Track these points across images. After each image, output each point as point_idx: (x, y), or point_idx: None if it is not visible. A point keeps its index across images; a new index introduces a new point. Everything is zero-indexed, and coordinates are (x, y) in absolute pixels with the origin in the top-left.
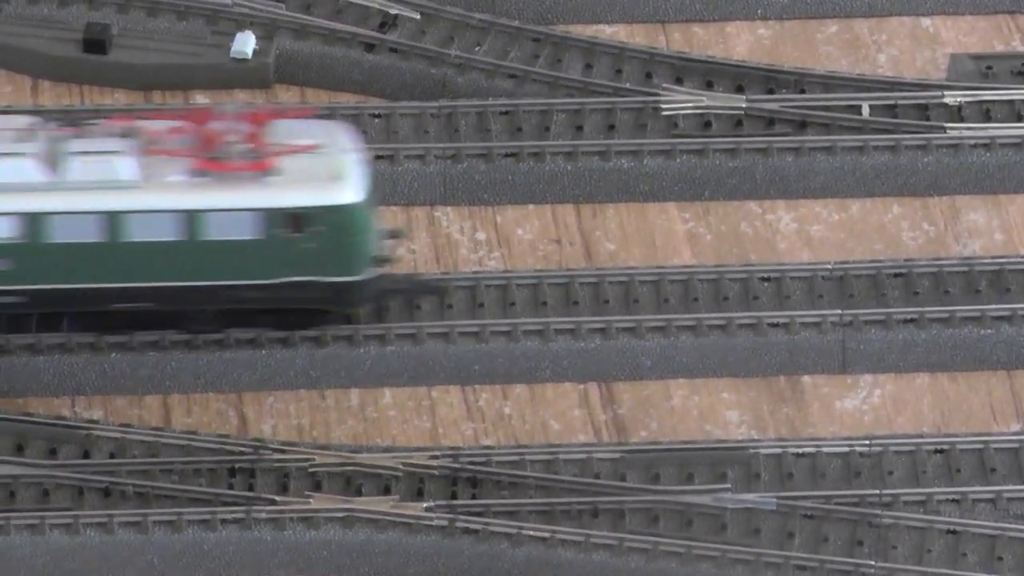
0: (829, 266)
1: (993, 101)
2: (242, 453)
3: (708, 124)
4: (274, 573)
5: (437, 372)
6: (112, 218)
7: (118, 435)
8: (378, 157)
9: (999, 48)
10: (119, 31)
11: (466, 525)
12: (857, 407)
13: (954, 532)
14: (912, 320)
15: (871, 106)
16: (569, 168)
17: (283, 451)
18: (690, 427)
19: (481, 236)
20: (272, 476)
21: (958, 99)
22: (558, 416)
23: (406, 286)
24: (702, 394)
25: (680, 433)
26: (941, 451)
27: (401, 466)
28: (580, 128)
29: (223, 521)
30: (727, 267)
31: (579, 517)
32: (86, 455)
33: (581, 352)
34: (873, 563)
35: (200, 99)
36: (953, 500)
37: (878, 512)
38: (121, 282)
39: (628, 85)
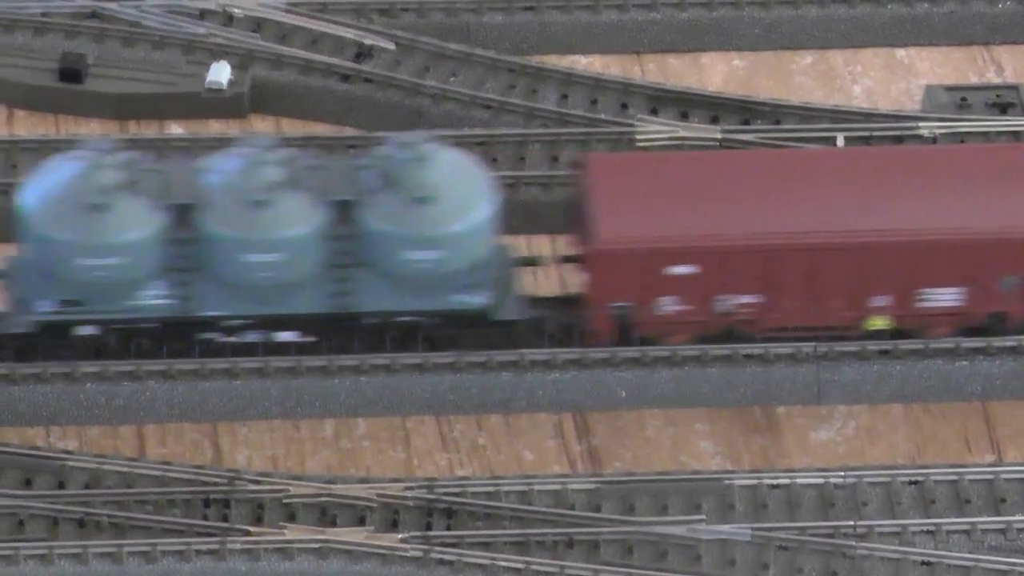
0: None
1: (967, 132)
2: (216, 484)
3: None
4: None
5: (412, 402)
6: None
7: (93, 465)
8: None
9: (973, 79)
10: (95, 60)
11: (441, 556)
12: (832, 438)
13: (928, 564)
14: (886, 352)
15: (846, 137)
16: (544, 198)
17: (258, 482)
18: (665, 458)
19: None
20: (246, 507)
21: (933, 130)
22: (533, 447)
23: None
24: (677, 425)
25: (655, 464)
26: (915, 482)
27: (376, 497)
28: (555, 159)
29: (197, 552)
30: None
31: (554, 548)
32: (61, 485)
33: (556, 383)
34: None
35: (175, 129)
36: (927, 531)
37: (853, 543)
38: None
39: (603, 116)
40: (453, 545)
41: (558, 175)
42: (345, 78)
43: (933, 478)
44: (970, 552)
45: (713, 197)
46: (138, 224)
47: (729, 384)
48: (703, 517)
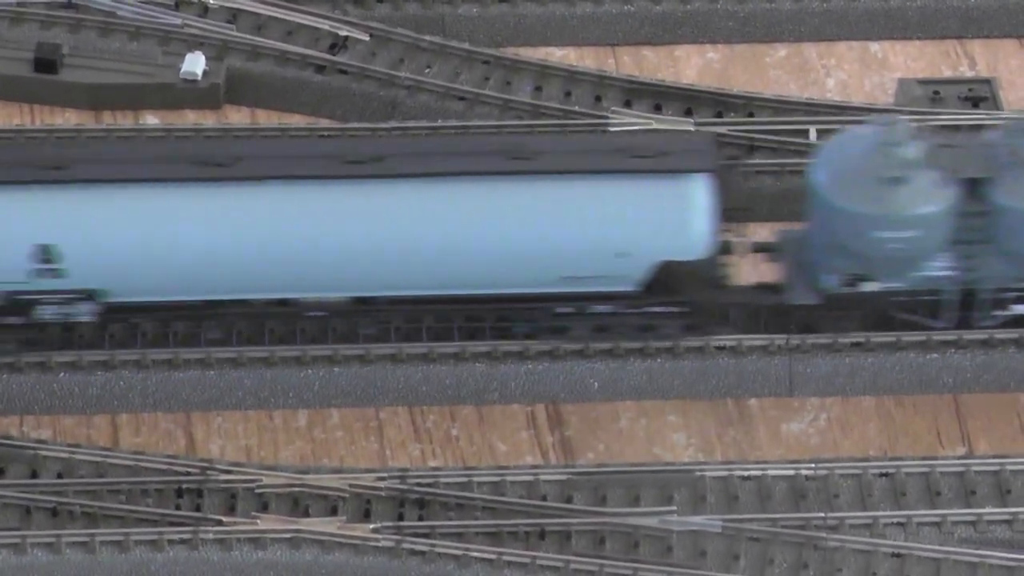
0: None
1: (940, 126)
2: (190, 473)
3: None
4: None
5: (385, 393)
6: None
7: (66, 455)
8: None
9: (947, 73)
10: (70, 51)
11: (413, 546)
12: (803, 430)
13: (899, 555)
14: (858, 344)
15: (818, 130)
16: None
17: (231, 471)
18: (637, 449)
19: None
20: (219, 496)
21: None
22: (505, 438)
23: None
24: (650, 416)
25: (627, 455)
26: (887, 475)
27: (348, 487)
28: None
29: (170, 541)
30: None
31: (526, 539)
32: (34, 475)
33: (529, 374)
34: None
35: (150, 119)
36: (898, 523)
37: (824, 535)
38: None
39: (578, 108)
40: (425, 535)
41: None
42: (320, 69)
43: (904, 470)
44: (940, 544)
45: None
46: (933, 198)
47: (702, 376)
48: (675, 508)
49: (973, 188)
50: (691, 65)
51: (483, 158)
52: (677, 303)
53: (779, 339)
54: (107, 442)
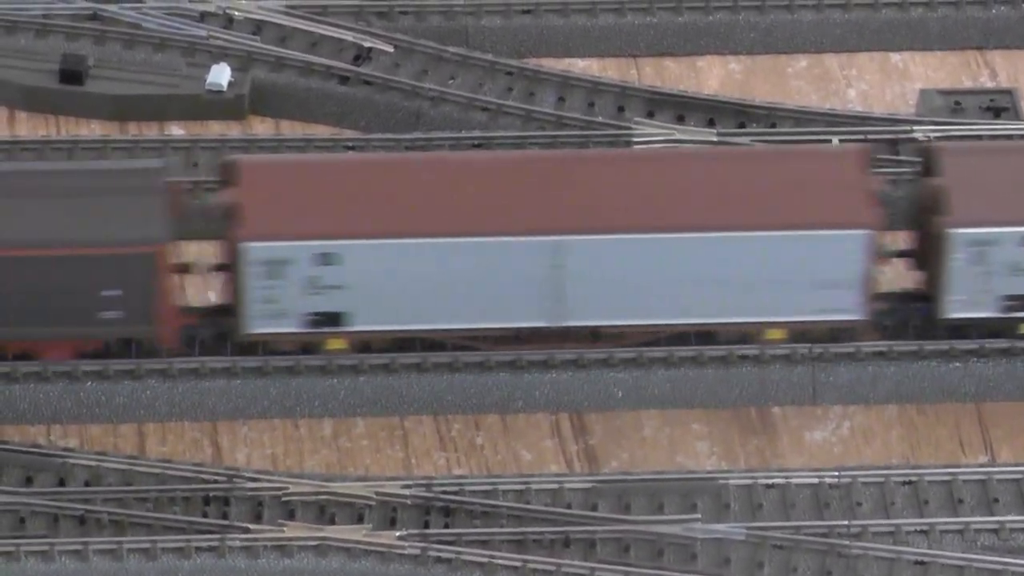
0: None
1: (962, 136)
2: (216, 482)
3: None
4: None
5: (410, 402)
6: None
7: (93, 463)
8: None
9: (968, 84)
10: (95, 62)
11: (439, 554)
12: (826, 439)
13: (922, 563)
14: (881, 353)
15: (841, 140)
16: None
17: (257, 480)
18: (661, 457)
19: None
20: (246, 505)
21: (927, 134)
22: (530, 446)
23: None
24: (673, 425)
25: (651, 463)
26: (909, 483)
27: (374, 495)
28: None
29: (197, 549)
30: None
31: (551, 546)
32: (61, 483)
33: (553, 383)
34: None
35: (175, 130)
36: (921, 531)
37: (847, 543)
38: None
39: (600, 118)
40: (451, 543)
41: None
42: (344, 80)
43: (927, 478)
44: (963, 552)
45: None
46: None
47: (725, 385)
48: (699, 516)
49: None
50: (713, 76)
51: None
52: None
53: (802, 348)
54: (134, 451)
